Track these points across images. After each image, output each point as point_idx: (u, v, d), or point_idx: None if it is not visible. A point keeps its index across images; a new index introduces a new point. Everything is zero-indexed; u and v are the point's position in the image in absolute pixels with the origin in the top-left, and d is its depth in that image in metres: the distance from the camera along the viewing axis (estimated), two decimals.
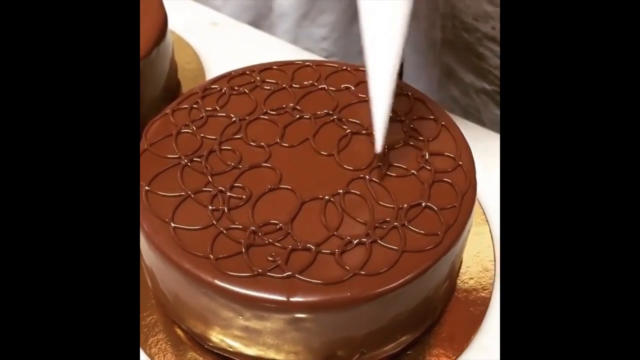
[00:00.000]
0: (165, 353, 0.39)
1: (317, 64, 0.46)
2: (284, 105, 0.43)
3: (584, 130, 0.28)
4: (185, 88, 0.56)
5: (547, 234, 0.27)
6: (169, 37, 0.52)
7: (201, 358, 0.39)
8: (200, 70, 0.59)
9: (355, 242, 0.35)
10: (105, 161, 0.28)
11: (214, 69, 0.59)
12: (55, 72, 0.28)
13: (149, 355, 0.39)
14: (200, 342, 0.39)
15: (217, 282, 0.33)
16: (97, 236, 0.27)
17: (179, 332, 0.40)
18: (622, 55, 0.27)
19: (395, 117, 0.42)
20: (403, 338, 0.38)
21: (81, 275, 0.27)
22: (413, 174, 0.39)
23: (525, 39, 0.29)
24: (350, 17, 0.75)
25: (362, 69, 0.46)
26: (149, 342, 0.40)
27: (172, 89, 0.54)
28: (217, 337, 0.37)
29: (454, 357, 0.39)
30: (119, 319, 0.27)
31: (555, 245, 0.27)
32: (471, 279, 0.43)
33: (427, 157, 0.40)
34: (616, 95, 0.27)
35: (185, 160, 0.39)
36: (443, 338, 0.40)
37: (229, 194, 0.37)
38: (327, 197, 0.37)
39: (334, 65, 0.46)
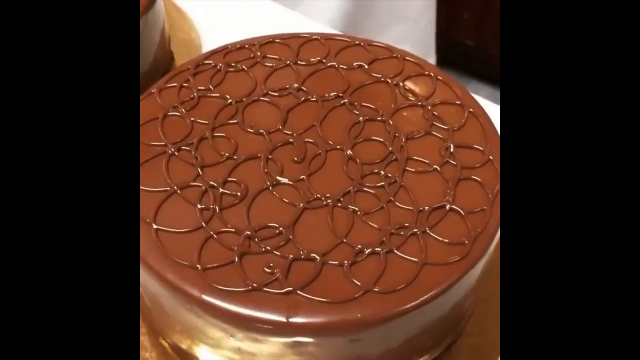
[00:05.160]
0: None
1: (326, 37, 0.43)
2: (287, 86, 0.39)
3: (585, 131, 0.26)
4: (179, 62, 0.53)
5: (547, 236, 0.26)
6: (159, 4, 0.47)
7: None
8: (197, 42, 0.56)
9: (367, 251, 0.31)
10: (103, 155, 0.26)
11: (212, 41, 0.55)
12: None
13: None
14: None
15: (204, 297, 0.30)
16: (96, 236, 0.25)
17: (165, 343, 0.36)
18: (622, 54, 0.26)
19: (414, 102, 0.38)
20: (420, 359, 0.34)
21: (79, 278, 0.25)
22: (435, 169, 0.35)
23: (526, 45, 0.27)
24: None
25: (376, 44, 0.43)
26: None
27: (162, 64, 0.51)
28: (206, 356, 0.33)
29: None
30: (117, 322, 0.25)
31: (556, 248, 0.25)
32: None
33: (451, 149, 0.36)
34: (616, 99, 0.26)
35: (172, 149, 0.36)
36: (465, 355, 0.37)
37: (221, 190, 0.34)
38: (335, 197, 0.33)
39: (345, 39, 0.43)
